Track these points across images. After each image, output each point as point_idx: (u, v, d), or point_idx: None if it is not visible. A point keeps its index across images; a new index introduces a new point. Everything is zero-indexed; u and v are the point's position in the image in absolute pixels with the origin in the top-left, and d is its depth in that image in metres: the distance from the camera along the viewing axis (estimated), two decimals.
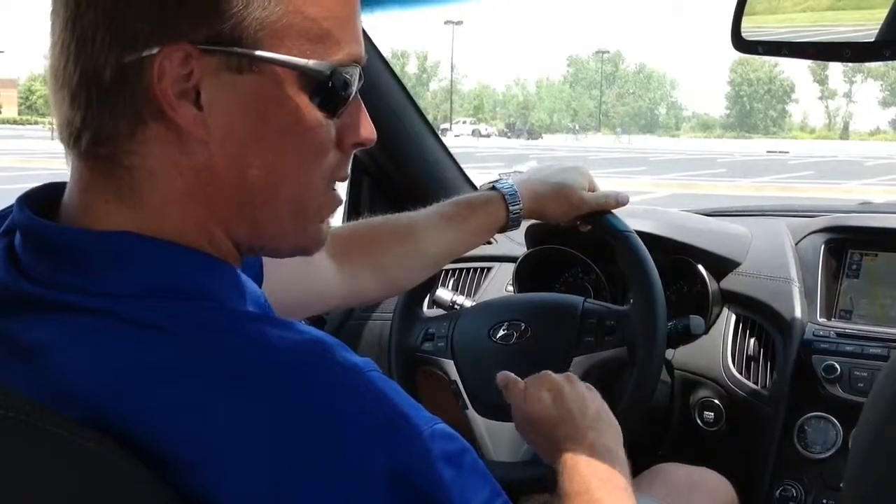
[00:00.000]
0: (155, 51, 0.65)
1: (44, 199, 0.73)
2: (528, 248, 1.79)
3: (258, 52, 0.67)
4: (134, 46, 0.65)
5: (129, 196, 0.69)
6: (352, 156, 0.78)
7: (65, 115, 0.68)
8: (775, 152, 39.24)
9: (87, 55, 0.66)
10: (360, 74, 0.74)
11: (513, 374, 1.15)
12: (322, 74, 0.70)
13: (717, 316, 1.69)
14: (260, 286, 0.89)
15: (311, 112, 0.71)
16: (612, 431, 1.05)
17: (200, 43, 0.65)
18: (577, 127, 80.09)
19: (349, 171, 0.79)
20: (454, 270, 1.94)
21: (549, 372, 1.13)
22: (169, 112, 0.66)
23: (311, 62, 0.69)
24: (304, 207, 0.75)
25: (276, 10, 0.67)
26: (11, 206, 0.74)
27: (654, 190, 16.48)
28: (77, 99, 0.67)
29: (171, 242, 0.69)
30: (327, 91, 0.71)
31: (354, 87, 0.74)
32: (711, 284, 1.68)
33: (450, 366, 1.47)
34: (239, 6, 0.66)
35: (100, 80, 0.66)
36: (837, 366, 1.51)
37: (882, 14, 1.09)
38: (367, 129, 0.77)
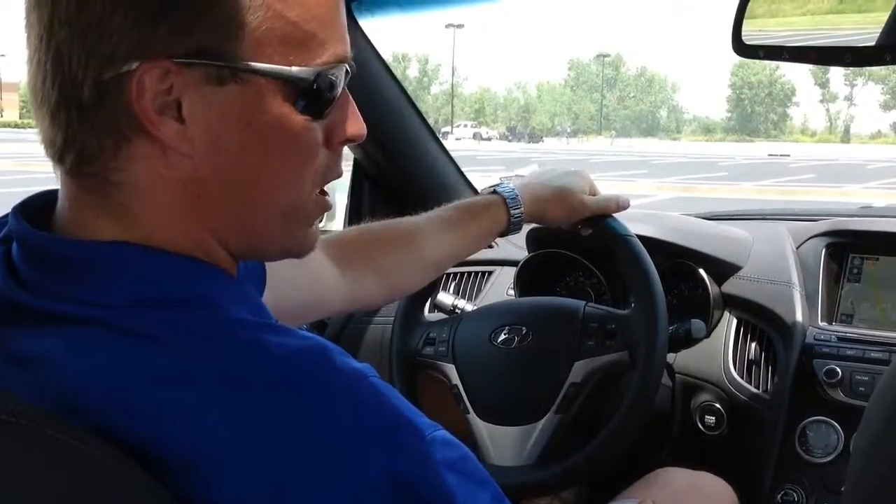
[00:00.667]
0: (133, 66, 0.63)
1: (39, 207, 0.73)
2: (529, 252, 1.79)
3: (238, 64, 0.66)
4: (112, 63, 0.63)
5: (119, 211, 0.68)
6: (342, 153, 0.77)
7: (46, 133, 0.67)
8: (776, 155, 39.25)
9: (65, 72, 0.64)
10: (347, 71, 0.73)
11: None
12: (306, 81, 0.68)
13: (719, 320, 1.69)
14: (262, 292, 0.89)
15: (296, 118, 0.69)
16: None
17: (179, 56, 0.64)
18: (568, 130, 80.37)
19: (342, 170, 0.78)
20: (455, 274, 1.94)
21: None
22: (150, 128, 0.65)
23: (294, 69, 0.68)
24: (294, 212, 0.74)
25: (255, 17, 0.65)
26: (7, 214, 0.74)
27: (656, 193, 16.49)
28: (57, 118, 0.66)
29: (165, 251, 0.68)
30: (312, 95, 0.69)
31: (340, 87, 0.72)
32: (712, 288, 1.68)
33: (451, 370, 1.47)
34: (218, 18, 0.64)
35: (79, 98, 0.64)
36: (838, 370, 1.51)
37: (883, 17, 1.09)
38: (355, 126, 0.76)
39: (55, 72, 0.65)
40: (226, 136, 0.67)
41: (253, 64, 0.66)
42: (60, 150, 0.67)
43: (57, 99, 0.65)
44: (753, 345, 1.65)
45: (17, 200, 0.73)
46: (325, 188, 0.77)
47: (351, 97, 0.76)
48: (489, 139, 62.43)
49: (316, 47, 0.69)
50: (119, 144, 0.66)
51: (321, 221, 0.80)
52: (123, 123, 0.65)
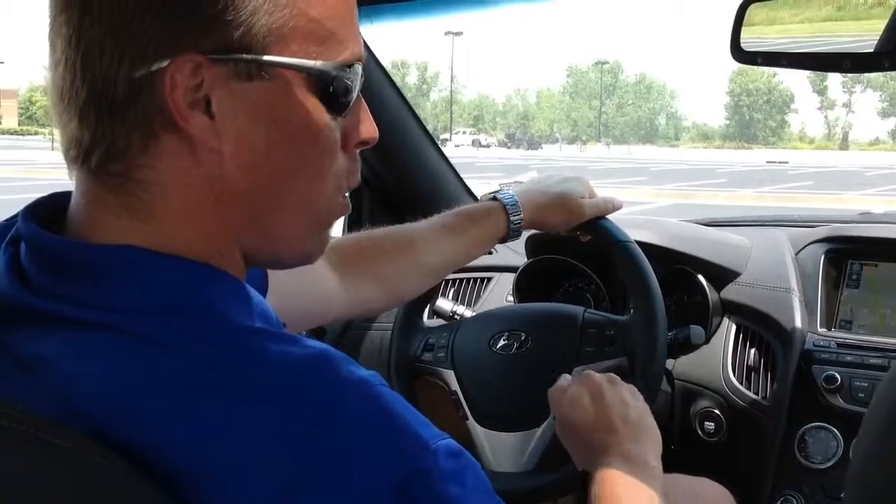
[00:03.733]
0: (165, 63, 0.64)
1: (49, 210, 0.73)
2: (528, 259, 1.79)
3: (267, 58, 0.67)
4: (144, 60, 0.65)
5: (141, 210, 0.68)
6: (358, 158, 0.78)
7: (73, 133, 0.68)
8: (775, 162, 39.32)
9: (95, 72, 0.65)
10: (361, 73, 0.75)
11: (563, 378, 1.18)
12: (329, 75, 0.70)
13: (718, 326, 1.69)
14: (264, 296, 0.89)
15: (321, 114, 0.71)
16: (650, 442, 1.07)
17: (209, 52, 0.65)
18: (558, 137, 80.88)
19: (359, 177, 0.79)
20: (454, 280, 1.94)
21: (592, 372, 1.16)
22: (181, 123, 0.66)
23: (318, 63, 0.69)
24: (314, 213, 0.75)
25: (282, 15, 0.67)
26: (16, 216, 0.74)
27: (655, 200, 16.50)
28: (86, 116, 0.66)
29: (177, 256, 0.68)
30: (334, 91, 0.71)
31: (358, 86, 0.74)
32: (712, 294, 1.68)
33: (450, 376, 1.47)
34: (246, 14, 0.66)
35: (109, 96, 0.65)
36: (838, 376, 1.51)
37: (881, 24, 1.09)
38: (369, 128, 0.78)
39: (84, 71, 0.66)
40: (253, 133, 0.68)
41: (279, 58, 0.67)
42: (87, 149, 0.67)
43: (87, 98, 0.66)
44: (753, 351, 1.65)
45: (18, 208, 0.73)
46: None
47: (363, 100, 0.77)
48: (488, 146, 62.56)
49: (336, 45, 0.71)
50: (147, 141, 0.67)
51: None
52: (154, 119, 0.66)
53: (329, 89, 0.71)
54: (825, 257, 1.67)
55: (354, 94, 0.74)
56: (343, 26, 0.72)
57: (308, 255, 0.78)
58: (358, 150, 0.78)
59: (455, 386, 1.46)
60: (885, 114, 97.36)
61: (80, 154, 0.68)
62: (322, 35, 0.70)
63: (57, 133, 0.70)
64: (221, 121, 0.67)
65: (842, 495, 1.40)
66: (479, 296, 1.92)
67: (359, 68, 0.73)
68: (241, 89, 0.67)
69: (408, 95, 1.97)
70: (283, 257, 0.77)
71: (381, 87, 1.83)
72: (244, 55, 0.66)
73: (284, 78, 0.68)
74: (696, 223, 1.94)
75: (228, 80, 0.67)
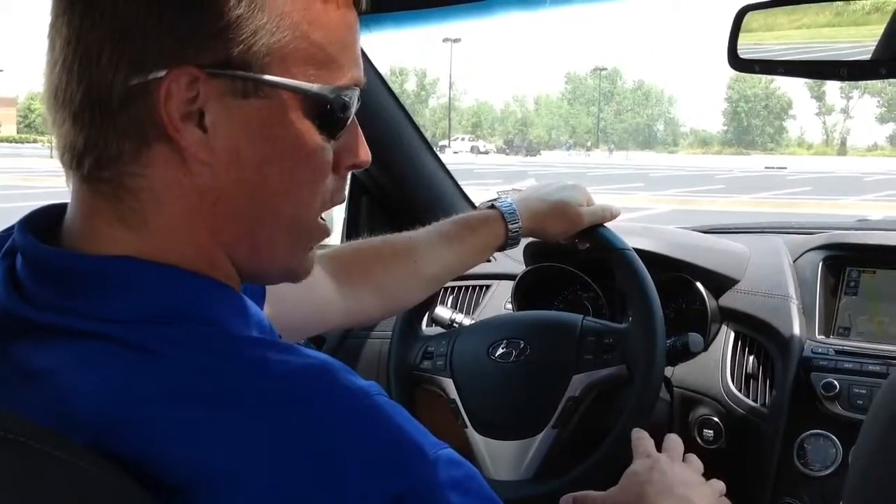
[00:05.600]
0: (162, 73, 0.65)
1: (45, 221, 0.73)
2: (526, 266, 1.79)
3: (265, 77, 0.67)
4: (141, 68, 0.65)
5: (132, 219, 0.68)
6: (347, 179, 0.79)
7: (66, 136, 0.68)
8: (773, 168, 39.41)
9: (92, 75, 0.65)
10: (358, 97, 0.75)
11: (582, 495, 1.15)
12: (325, 99, 0.70)
13: (716, 333, 1.69)
14: (262, 307, 0.89)
15: (314, 135, 0.71)
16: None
17: (208, 66, 0.65)
18: (570, 143, 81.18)
19: (345, 195, 0.80)
20: (453, 288, 1.94)
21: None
22: (173, 134, 0.66)
23: (315, 87, 0.69)
24: (300, 231, 0.75)
25: (283, 36, 0.67)
26: (12, 228, 0.74)
27: (653, 206, 16.52)
28: (80, 120, 0.67)
29: (173, 266, 0.68)
30: (329, 114, 0.71)
31: (353, 109, 0.74)
32: (710, 302, 1.68)
33: (449, 384, 1.47)
34: (248, 32, 0.66)
35: (104, 100, 0.65)
36: (836, 383, 1.51)
37: (878, 31, 1.10)
38: (363, 152, 0.78)
39: (81, 74, 0.66)
40: (245, 148, 0.68)
41: (278, 78, 0.68)
42: (80, 154, 0.68)
43: (81, 101, 0.66)
44: (751, 358, 1.65)
45: (18, 216, 0.74)
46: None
47: (359, 125, 0.77)
48: (486, 152, 62.64)
49: (335, 70, 0.71)
50: (139, 149, 0.67)
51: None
52: (147, 128, 0.66)
53: (324, 112, 0.71)
54: (823, 264, 1.67)
55: (349, 118, 0.74)
56: (344, 52, 0.72)
57: (293, 273, 0.78)
58: (348, 173, 0.78)
59: (454, 394, 1.46)
60: (882, 119, 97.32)
61: (74, 158, 0.68)
62: (322, 59, 0.70)
63: (53, 136, 0.70)
64: (214, 135, 0.67)
65: (841, 503, 1.40)
66: (477, 304, 1.92)
67: (356, 93, 0.74)
68: (237, 105, 0.67)
69: (406, 102, 1.98)
70: (268, 273, 0.78)
71: (379, 96, 1.84)
72: (242, 72, 0.66)
73: (280, 98, 0.68)
74: (695, 230, 1.94)
75: (224, 96, 0.67)
